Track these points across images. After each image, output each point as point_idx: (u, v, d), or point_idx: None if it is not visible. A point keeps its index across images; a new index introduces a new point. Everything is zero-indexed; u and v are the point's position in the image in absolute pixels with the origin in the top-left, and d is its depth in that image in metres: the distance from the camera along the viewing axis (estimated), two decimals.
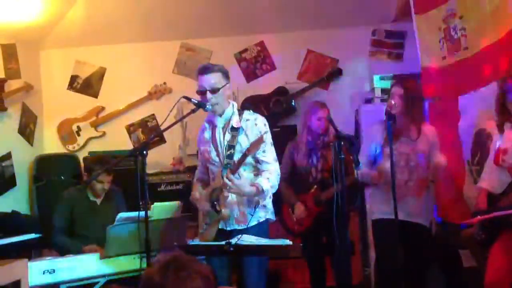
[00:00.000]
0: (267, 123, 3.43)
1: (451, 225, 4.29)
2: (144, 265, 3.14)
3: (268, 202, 3.44)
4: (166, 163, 5.78)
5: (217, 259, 3.38)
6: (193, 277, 1.67)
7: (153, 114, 6.07)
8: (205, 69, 3.39)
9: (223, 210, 3.32)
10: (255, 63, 6.03)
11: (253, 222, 3.38)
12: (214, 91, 3.33)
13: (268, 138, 3.41)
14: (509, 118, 3.27)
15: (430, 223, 3.85)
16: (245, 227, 3.35)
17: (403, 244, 3.56)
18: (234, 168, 3.22)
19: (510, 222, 3.14)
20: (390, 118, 3.52)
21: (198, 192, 3.48)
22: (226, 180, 3.15)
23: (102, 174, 3.97)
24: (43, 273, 3.38)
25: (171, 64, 6.07)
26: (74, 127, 6.07)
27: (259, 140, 3.15)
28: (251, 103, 5.85)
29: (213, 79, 3.34)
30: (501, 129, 3.34)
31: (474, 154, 4.21)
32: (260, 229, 3.37)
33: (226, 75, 3.43)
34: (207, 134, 3.50)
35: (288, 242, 2.87)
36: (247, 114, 3.47)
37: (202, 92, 3.36)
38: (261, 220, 3.42)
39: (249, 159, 3.34)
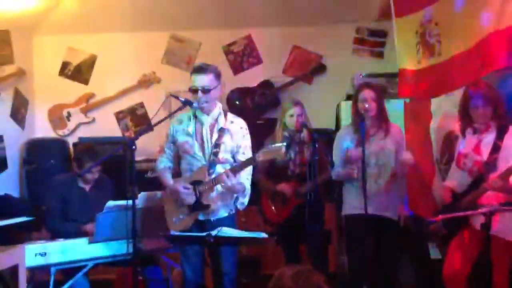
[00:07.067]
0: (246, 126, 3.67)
1: (421, 219, 4.54)
2: (131, 250, 3.30)
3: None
4: (152, 150, 5.82)
5: (192, 248, 3.62)
6: None
7: (142, 102, 6.21)
8: (200, 69, 3.54)
9: (212, 205, 3.54)
10: (242, 56, 6.20)
11: (225, 214, 3.65)
12: (206, 91, 3.51)
13: (249, 140, 3.65)
14: (470, 123, 3.51)
15: (398, 216, 4.09)
16: (220, 217, 3.61)
17: (373, 237, 3.84)
18: (238, 169, 3.42)
19: (467, 220, 3.42)
20: (363, 120, 3.81)
21: (175, 182, 3.64)
22: (226, 179, 3.34)
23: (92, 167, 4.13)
24: (35, 255, 3.60)
25: (160, 54, 6.22)
26: (65, 113, 6.22)
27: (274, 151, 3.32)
28: (237, 95, 6.05)
29: (206, 80, 3.51)
30: (463, 134, 3.58)
31: (443, 154, 4.46)
32: (231, 220, 3.65)
33: (218, 76, 3.60)
34: (189, 127, 3.64)
35: (263, 235, 3.09)
36: (231, 116, 3.68)
37: (194, 91, 3.52)
38: (232, 212, 3.68)
39: (229, 159, 3.59)
